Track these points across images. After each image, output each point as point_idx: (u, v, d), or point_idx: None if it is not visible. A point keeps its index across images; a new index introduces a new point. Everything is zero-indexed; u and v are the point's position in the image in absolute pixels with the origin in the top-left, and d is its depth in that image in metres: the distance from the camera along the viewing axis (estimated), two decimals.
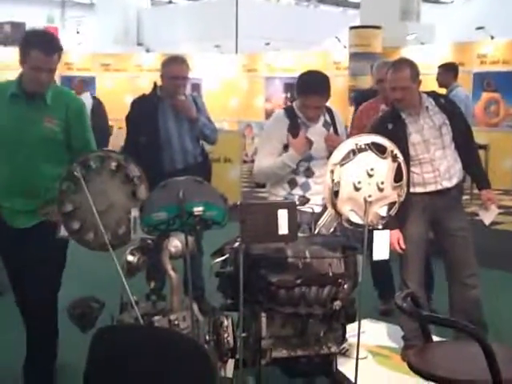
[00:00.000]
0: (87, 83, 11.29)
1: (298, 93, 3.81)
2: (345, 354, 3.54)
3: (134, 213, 2.92)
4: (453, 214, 3.87)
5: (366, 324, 4.20)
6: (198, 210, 2.81)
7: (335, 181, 2.91)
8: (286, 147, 3.81)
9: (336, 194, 2.93)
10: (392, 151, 2.99)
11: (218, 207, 2.89)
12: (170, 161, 4.55)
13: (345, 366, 3.46)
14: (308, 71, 3.97)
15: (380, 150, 2.98)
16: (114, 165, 3.07)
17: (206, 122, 4.73)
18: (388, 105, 4.81)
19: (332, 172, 2.91)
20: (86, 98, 10.32)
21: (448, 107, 3.88)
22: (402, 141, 3.61)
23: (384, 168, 2.97)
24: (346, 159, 2.91)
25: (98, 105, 10.79)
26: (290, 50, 15.67)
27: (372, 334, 4.20)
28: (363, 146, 2.93)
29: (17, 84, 3.34)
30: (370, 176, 2.93)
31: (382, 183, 2.95)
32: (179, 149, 4.58)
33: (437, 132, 3.76)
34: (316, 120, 3.86)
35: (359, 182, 2.92)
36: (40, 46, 3.20)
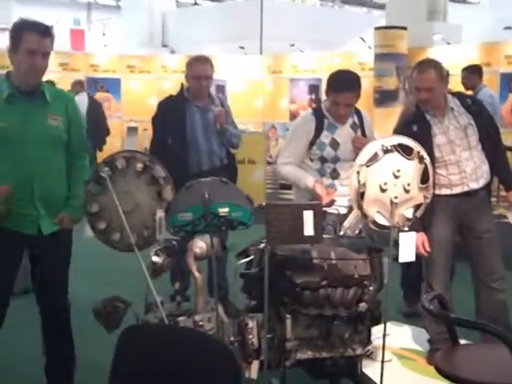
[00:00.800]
0: (82, 83, 11.57)
1: (329, 90, 3.78)
2: (369, 356, 3.52)
3: (160, 214, 2.94)
4: (480, 216, 3.82)
5: (391, 326, 4.17)
6: (223, 210, 2.82)
7: (361, 182, 2.89)
8: (311, 144, 3.81)
9: (362, 195, 2.91)
10: (418, 152, 2.96)
11: (244, 208, 2.89)
12: (196, 162, 4.54)
13: (369, 369, 3.44)
14: (339, 70, 3.99)
15: (406, 151, 2.96)
16: (139, 166, 3.09)
17: (234, 130, 4.74)
18: None
19: (358, 173, 2.89)
20: (83, 98, 10.55)
21: (474, 107, 3.83)
22: (426, 142, 3.57)
23: (410, 169, 2.94)
24: (372, 160, 2.89)
25: (94, 104, 10.92)
26: (315, 51, 15.63)
27: (397, 337, 4.16)
28: (389, 148, 2.90)
29: (8, 85, 3.20)
30: (397, 177, 2.91)
31: (409, 185, 2.93)
32: (206, 150, 4.57)
33: (462, 133, 3.72)
34: (345, 120, 3.83)
35: (385, 184, 2.90)
36: (34, 28, 3.15)
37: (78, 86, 11.09)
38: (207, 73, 4.58)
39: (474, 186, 3.75)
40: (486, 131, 3.80)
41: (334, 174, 3.83)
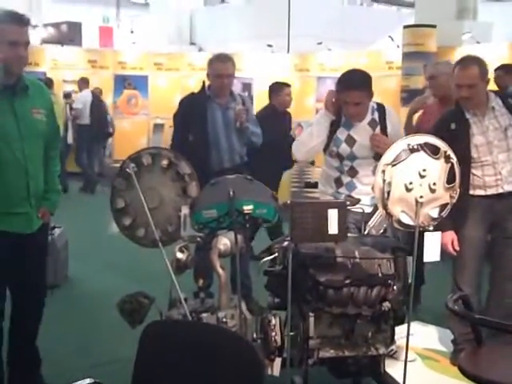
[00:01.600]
0: (87, 80, 12.04)
1: (338, 91, 3.76)
2: (393, 356, 3.50)
3: (185, 210, 2.95)
4: None
5: (415, 326, 4.13)
6: (247, 208, 2.82)
7: (386, 181, 2.87)
8: (329, 140, 3.80)
9: (387, 194, 2.89)
10: (445, 152, 2.93)
11: (269, 205, 2.90)
12: (217, 160, 4.59)
13: (393, 369, 3.42)
14: (349, 70, 3.96)
15: (433, 150, 2.93)
16: (165, 162, 3.11)
17: (254, 129, 4.76)
18: (441, 100, 4.75)
19: (383, 172, 2.87)
20: (87, 95, 11.08)
21: None
22: (463, 142, 3.53)
23: (436, 169, 2.91)
24: (397, 159, 2.87)
25: (97, 101, 11.31)
26: (342, 50, 15.55)
27: (421, 337, 4.13)
28: (415, 147, 2.88)
29: None
30: (422, 177, 2.88)
31: (434, 184, 2.90)
32: (227, 148, 4.62)
33: (502, 134, 3.64)
34: (359, 118, 3.80)
35: (411, 183, 2.87)
36: (13, 19, 3.12)
37: (82, 83, 11.55)
38: (228, 71, 4.60)
39: (508, 188, 3.69)
40: None
41: (352, 172, 3.80)
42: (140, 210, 3.09)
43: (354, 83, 3.72)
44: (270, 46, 16.48)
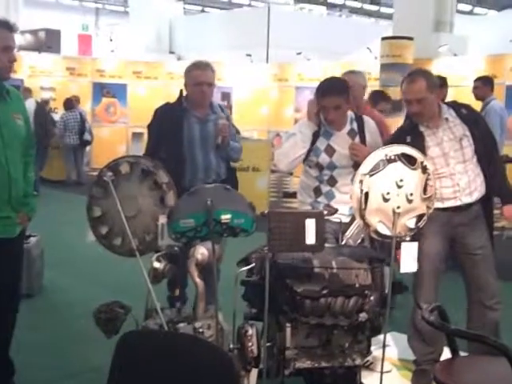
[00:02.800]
0: (30, 90, 12.37)
1: (316, 97, 3.79)
2: (368, 367, 3.51)
3: (162, 220, 2.93)
4: (473, 232, 3.68)
5: (390, 337, 4.15)
6: (225, 217, 2.81)
7: (364, 191, 2.89)
8: (309, 151, 3.83)
9: (365, 204, 2.90)
10: (422, 163, 2.96)
11: (246, 215, 2.89)
12: (191, 177, 4.12)
13: (368, 380, 3.43)
14: (327, 78, 4.01)
15: (410, 161, 2.95)
16: (143, 171, 3.09)
17: (234, 144, 4.31)
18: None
19: (361, 182, 2.88)
20: (31, 103, 11.04)
21: (470, 117, 3.70)
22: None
23: (413, 179, 2.94)
24: (375, 170, 2.89)
25: (40, 109, 11.42)
26: (321, 60, 15.65)
27: (396, 347, 4.15)
28: (393, 157, 2.90)
29: None
30: (400, 187, 2.90)
31: (411, 195, 2.92)
32: (202, 165, 4.17)
33: (457, 144, 3.59)
34: (338, 126, 3.83)
35: (388, 193, 2.89)
36: (2, 24, 3.14)
37: (26, 92, 11.67)
38: (208, 79, 4.15)
39: (467, 200, 3.62)
40: (482, 142, 3.67)
41: (332, 181, 3.82)
42: (117, 218, 3.06)
43: (334, 88, 3.77)
44: (249, 55, 16.55)
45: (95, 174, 6.01)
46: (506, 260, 4.76)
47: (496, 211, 3.93)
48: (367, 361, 3.26)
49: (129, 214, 3.07)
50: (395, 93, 12.31)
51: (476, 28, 16.99)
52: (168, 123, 4.16)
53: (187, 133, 4.14)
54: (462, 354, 2.83)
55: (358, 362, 3.09)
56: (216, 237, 2.90)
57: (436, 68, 11.60)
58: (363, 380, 3.27)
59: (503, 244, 7.11)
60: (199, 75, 4.12)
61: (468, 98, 7.50)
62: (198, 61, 4.28)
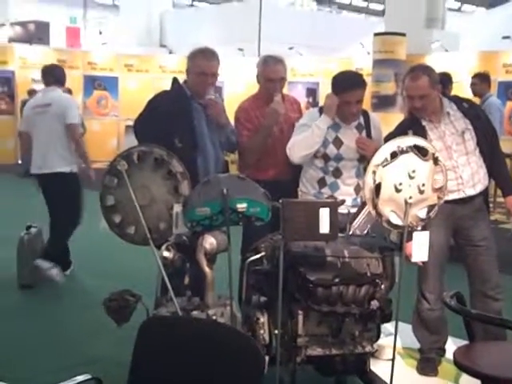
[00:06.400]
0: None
1: (337, 91, 3.76)
2: (373, 354, 3.55)
3: (177, 208, 2.96)
4: (476, 224, 3.75)
5: (392, 325, 4.19)
6: (241, 206, 2.84)
7: (376, 182, 2.93)
8: None
9: (377, 194, 2.94)
10: (433, 154, 3.00)
11: (262, 204, 2.91)
12: (204, 169, 3.86)
13: (373, 367, 3.46)
14: (341, 71, 4.01)
15: (422, 152, 3.00)
16: (156, 160, 3.11)
17: (232, 127, 4.13)
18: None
19: (374, 173, 2.92)
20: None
21: (471, 111, 3.76)
22: None
23: (425, 170, 2.98)
24: (388, 161, 2.93)
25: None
26: (313, 56, 15.69)
27: (401, 336, 4.19)
28: (405, 148, 2.94)
29: None
30: (411, 178, 2.94)
31: (423, 185, 2.96)
32: (213, 156, 3.96)
33: (459, 138, 3.66)
34: (352, 120, 3.85)
35: (400, 184, 2.93)
36: None
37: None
38: (213, 69, 3.94)
39: (470, 192, 3.68)
40: (483, 135, 3.73)
41: (337, 173, 3.85)
42: (130, 207, 3.08)
43: (357, 82, 3.78)
44: (240, 49, 16.54)
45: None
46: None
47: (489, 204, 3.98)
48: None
49: (142, 202, 3.09)
50: (387, 88, 12.45)
51: (467, 25, 17.11)
52: (177, 111, 3.87)
53: (197, 122, 3.92)
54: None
55: (368, 349, 3.13)
56: (231, 225, 2.92)
57: (429, 64, 11.66)
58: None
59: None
60: (205, 65, 3.91)
61: (461, 94, 7.54)
62: (203, 48, 4.02)
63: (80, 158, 5.82)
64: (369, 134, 3.92)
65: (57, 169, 5.61)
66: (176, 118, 3.83)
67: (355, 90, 3.73)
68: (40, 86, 14.42)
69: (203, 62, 3.93)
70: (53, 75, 5.93)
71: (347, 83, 3.77)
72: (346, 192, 3.81)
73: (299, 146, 3.82)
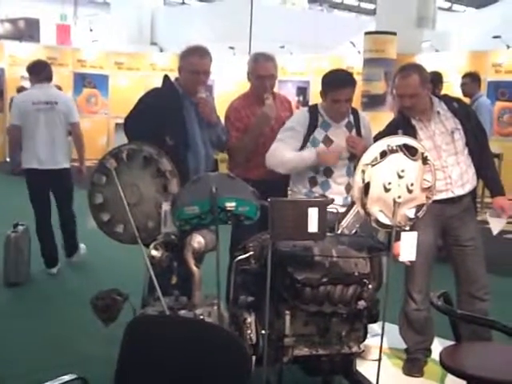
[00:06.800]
0: None
1: (327, 90, 3.77)
2: (359, 355, 3.55)
3: (166, 207, 2.95)
4: (464, 224, 3.76)
5: (380, 326, 4.19)
6: (230, 205, 2.83)
7: (365, 181, 2.92)
8: (305, 141, 3.82)
9: (366, 194, 2.94)
10: (423, 153, 3.00)
11: (251, 203, 2.91)
12: (194, 168, 3.84)
13: (359, 368, 3.46)
14: (332, 70, 4.00)
15: (411, 151, 3.00)
16: (146, 158, 3.10)
17: (222, 124, 4.12)
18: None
19: (363, 172, 2.92)
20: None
21: (461, 111, 3.76)
22: None
23: (414, 170, 2.98)
24: (377, 160, 2.92)
25: None
26: (304, 54, 15.69)
27: (387, 336, 4.19)
28: (395, 148, 2.94)
29: None
30: (400, 177, 2.94)
31: (412, 185, 2.97)
32: (203, 154, 3.94)
33: (449, 137, 3.65)
34: (341, 119, 3.86)
35: (389, 183, 2.93)
36: None
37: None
38: (205, 67, 3.94)
39: (459, 192, 3.69)
40: (473, 135, 3.72)
41: (328, 172, 3.85)
42: (119, 205, 3.07)
43: (347, 80, 3.79)
44: (231, 48, 16.50)
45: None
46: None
47: (477, 205, 3.97)
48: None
49: (131, 201, 3.08)
50: (377, 87, 12.47)
51: (457, 25, 17.15)
52: (169, 109, 3.84)
53: (188, 119, 3.90)
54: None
55: (355, 349, 3.12)
56: (220, 224, 2.91)
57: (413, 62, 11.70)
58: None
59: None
60: (197, 63, 3.91)
61: (451, 93, 7.55)
62: (196, 46, 4.03)
63: (80, 154, 6.11)
64: (359, 133, 3.93)
65: (63, 165, 5.89)
66: (167, 116, 3.81)
67: (345, 89, 3.74)
68: (29, 84, 14.38)
69: (196, 59, 3.92)
70: (45, 72, 5.95)
71: (337, 81, 3.77)
72: (337, 191, 3.81)
73: (277, 162, 3.83)
